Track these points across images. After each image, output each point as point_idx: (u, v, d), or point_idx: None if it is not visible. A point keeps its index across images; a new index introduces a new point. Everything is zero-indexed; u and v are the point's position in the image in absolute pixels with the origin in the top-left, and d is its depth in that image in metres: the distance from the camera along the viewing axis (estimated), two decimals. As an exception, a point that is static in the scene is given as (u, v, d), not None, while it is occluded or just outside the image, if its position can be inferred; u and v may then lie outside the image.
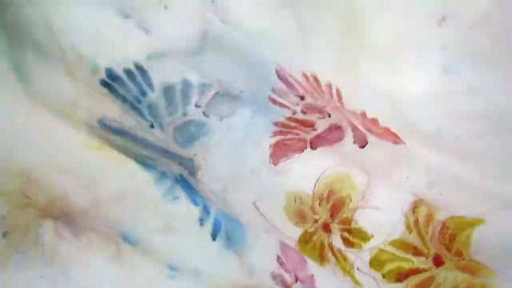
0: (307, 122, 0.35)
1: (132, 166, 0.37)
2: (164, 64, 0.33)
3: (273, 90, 0.34)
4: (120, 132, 0.36)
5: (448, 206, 0.33)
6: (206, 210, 0.38)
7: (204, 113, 0.35)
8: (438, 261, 0.34)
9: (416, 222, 0.34)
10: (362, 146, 0.34)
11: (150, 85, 0.34)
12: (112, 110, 0.35)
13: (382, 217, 0.34)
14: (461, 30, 0.28)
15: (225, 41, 0.32)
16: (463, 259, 0.33)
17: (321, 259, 0.37)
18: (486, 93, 0.29)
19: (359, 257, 0.35)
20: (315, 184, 0.35)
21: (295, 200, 0.36)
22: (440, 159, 0.32)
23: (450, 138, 0.31)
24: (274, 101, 0.34)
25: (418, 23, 0.29)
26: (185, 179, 0.38)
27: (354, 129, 0.34)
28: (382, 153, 0.33)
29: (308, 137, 0.35)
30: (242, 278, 0.38)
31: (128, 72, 0.34)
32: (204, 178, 0.37)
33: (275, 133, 0.35)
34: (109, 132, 0.36)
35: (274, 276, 0.38)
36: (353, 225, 0.35)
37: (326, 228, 0.35)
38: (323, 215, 0.35)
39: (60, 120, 0.36)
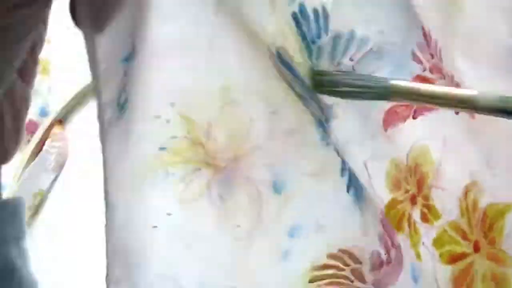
0: (430, 81, 0.37)
1: (300, 104, 0.38)
2: (341, 11, 0.37)
3: (418, 45, 0.37)
4: (287, 66, 0.38)
5: (492, 190, 0.35)
6: (343, 161, 0.40)
7: (353, 67, 0.39)
8: (476, 247, 0.36)
9: (467, 207, 0.36)
10: (457, 112, 0.37)
11: (326, 28, 0.38)
12: (290, 44, 0.38)
13: (446, 198, 0.37)
14: None
15: None
16: (494, 248, 0.35)
17: (398, 227, 0.39)
18: None
19: (428, 233, 0.38)
20: (407, 155, 0.38)
21: (396, 168, 0.39)
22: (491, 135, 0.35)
23: None
24: (415, 57, 0.38)
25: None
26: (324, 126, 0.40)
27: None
28: (464, 126, 0.37)
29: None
30: (359, 236, 0.39)
31: (315, 12, 0.38)
32: (336, 128, 0.40)
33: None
34: (281, 64, 0.38)
35: (380, 238, 0.39)
36: (430, 201, 0.37)
37: (413, 200, 0.38)
38: (413, 187, 0.38)
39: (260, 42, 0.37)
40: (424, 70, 0.38)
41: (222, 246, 0.36)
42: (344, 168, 0.39)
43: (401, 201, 0.38)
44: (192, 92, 0.36)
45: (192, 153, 0.37)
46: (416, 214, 0.38)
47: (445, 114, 0.38)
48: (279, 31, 0.37)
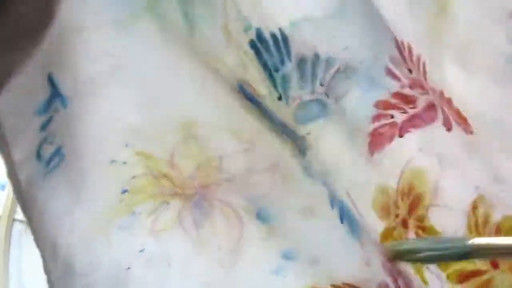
0: (411, 98, 0.36)
1: (277, 137, 0.37)
2: (301, 33, 0.35)
3: (391, 59, 0.35)
4: (251, 99, 0.36)
5: (504, 204, 0.35)
6: (330, 191, 0.37)
7: (326, 94, 0.37)
8: (494, 263, 0.35)
9: (476, 223, 0.35)
10: (449, 129, 0.36)
11: (289, 54, 0.36)
12: (252, 75, 0.36)
13: (449, 215, 0.35)
14: None
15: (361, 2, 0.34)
16: None
17: None
18: None
19: None
20: (399, 179, 0.36)
21: (382, 193, 0.37)
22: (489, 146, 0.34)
23: None
24: (389, 72, 0.36)
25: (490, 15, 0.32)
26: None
27: (443, 111, 0.36)
28: (459, 141, 0.35)
29: (401, 119, 0.36)
30: (361, 268, 0.37)
31: (273, 37, 0.35)
32: (312, 159, 0.37)
33: (374, 118, 0.37)
34: (244, 97, 0.36)
35: (384, 267, 0.37)
36: (426, 222, 0.36)
37: (405, 223, 0.36)
38: (403, 210, 0.37)
39: (220, 77, 0.36)
40: (403, 86, 0.36)
41: (203, 268, 0.35)
42: (334, 198, 0.37)
43: (395, 227, 0.36)
44: (146, 128, 0.35)
45: (156, 187, 0.35)
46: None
47: (435, 130, 0.37)
48: (239, 62, 0.36)
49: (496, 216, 0.34)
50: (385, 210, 0.37)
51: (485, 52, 0.33)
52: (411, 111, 0.37)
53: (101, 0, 0.33)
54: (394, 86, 0.36)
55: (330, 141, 0.37)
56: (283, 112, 0.37)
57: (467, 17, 0.33)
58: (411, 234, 0.36)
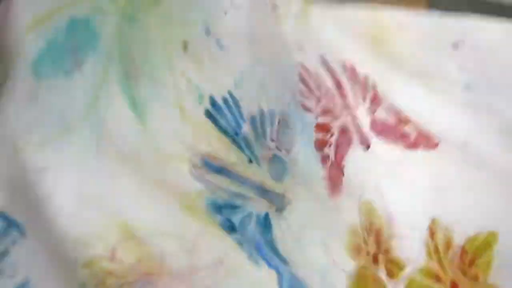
0: (326, 126, 0.34)
1: (221, 232, 0.37)
2: (245, 91, 0.35)
3: (300, 92, 0.34)
4: (220, 171, 0.37)
5: (459, 221, 0.32)
6: (279, 273, 0.37)
7: (277, 148, 0.35)
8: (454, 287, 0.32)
9: (436, 248, 0.32)
10: (368, 146, 0.33)
11: (241, 115, 0.35)
12: (215, 145, 0.36)
13: (409, 245, 0.33)
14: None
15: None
16: (478, 283, 0.32)
17: None
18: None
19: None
20: (360, 216, 0.34)
21: (354, 234, 0.35)
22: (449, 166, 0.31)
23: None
24: (304, 106, 0.34)
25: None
26: (269, 221, 0.37)
27: (359, 130, 0.33)
28: (393, 157, 0.33)
29: (333, 154, 0.34)
30: None
31: (225, 101, 0.35)
32: (290, 215, 0.37)
33: (323, 159, 0.34)
34: (210, 171, 0.37)
35: None
36: (392, 254, 0.34)
37: (375, 259, 0.34)
38: (372, 247, 0.34)
39: (166, 175, 0.37)
40: (317, 117, 0.34)
41: None
42: (280, 280, 0.37)
43: (367, 267, 0.34)
44: (88, 230, 0.37)
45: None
46: (382, 273, 0.34)
47: (357, 154, 0.34)
48: (199, 136, 0.37)
49: (458, 239, 0.32)
50: (356, 250, 0.35)
51: (440, 79, 0.31)
52: (333, 141, 0.34)
53: (35, 116, 0.36)
54: (311, 118, 0.35)
55: (300, 196, 0.36)
56: (259, 174, 0.36)
57: (412, 50, 0.31)
58: (382, 271, 0.34)
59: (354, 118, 0.33)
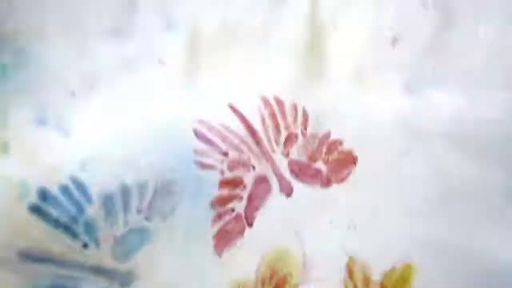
0: (236, 180, 0.33)
1: None
2: (100, 170, 0.30)
3: (195, 152, 0.33)
4: (44, 260, 0.30)
5: (376, 256, 0.33)
6: None
7: (146, 218, 0.31)
8: None
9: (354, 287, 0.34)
10: (289, 194, 0.34)
11: (88, 198, 0.30)
12: (37, 239, 0.30)
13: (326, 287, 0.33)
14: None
15: None
16: None
17: None
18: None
19: None
20: (258, 267, 0.34)
21: (238, 287, 0.34)
22: (363, 198, 0.33)
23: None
24: (202, 165, 0.32)
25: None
26: None
27: (279, 177, 0.34)
28: (310, 198, 0.34)
29: (243, 207, 0.33)
30: None
31: (64, 189, 0.29)
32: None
33: (215, 219, 0.33)
34: (31, 262, 0.30)
35: None
36: None
37: None
38: None
39: None
40: (223, 173, 0.33)
41: None
42: None
43: None
44: None
45: None
46: None
47: (276, 202, 0.33)
48: (17, 232, 0.30)
49: (376, 276, 0.33)
50: None
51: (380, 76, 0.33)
52: (245, 194, 0.33)
53: None
54: (215, 177, 0.33)
55: (161, 264, 0.33)
56: (95, 256, 0.31)
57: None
58: None
59: (272, 163, 0.33)
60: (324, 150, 0.33)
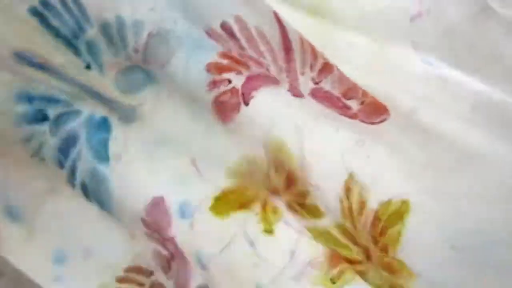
0: (243, 61, 0.32)
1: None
2: None
3: (210, 24, 0.31)
4: (42, 67, 0.32)
5: (376, 182, 0.32)
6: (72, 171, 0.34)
7: (144, 61, 0.32)
8: (367, 254, 0.33)
9: (350, 209, 0.32)
10: (297, 96, 0.33)
11: (87, 19, 0.31)
12: (37, 44, 0.31)
13: (325, 197, 0.33)
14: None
15: None
16: (388, 256, 0.32)
17: (241, 206, 0.34)
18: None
19: (299, 219, 0.34)
20: (266, 150, 0.33)
21: (248, 163, 0.34)
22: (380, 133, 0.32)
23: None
24: (213, 34, 0.32)
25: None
26: (108, 124, 0.34)
27: (293, 88, 0.33)
28: (318, 109, 0.33)
29: (240, 83, 0.33)
30: (129, 244, 0.35)
31: (62, 2, 0.30)
32: (143, 129, 0.34)
33: (210, 86, 0.32)
34: (26, 65, 0.32)
35: (150, 237, 0.35)
36: (309, 200, 0.33)
37: (275, 191, 0.34)
38: (278, 184, 0.34)
39: None
40: (230, 49, 0.32)
41: None
42: (72, 179, 0.34)
43: (251, 189, 0.34)
44: None
45: None
46: (278, 203, 0.34)
47: (280, 95, 0.33)
48: (17, 33, 0.31)
49: (372, 202, 0.32)
50: (248, 178, 0.34)
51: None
52: (247, 73, 0.32)
53: None
54: (220, 47, 0.32)
55: (167, 111, 0.33)
56: (98, 82, 0.33)
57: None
58: (280, 201, 0.34)
59: (294, 80, 0.32)
60: (361, 91, 0.32)
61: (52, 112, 0.33)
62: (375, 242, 0.32)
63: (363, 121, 0.32)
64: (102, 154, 0.34)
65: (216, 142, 0.33)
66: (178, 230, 0.33)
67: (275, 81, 0.32)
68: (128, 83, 0.33)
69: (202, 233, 0.33)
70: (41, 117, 0.33)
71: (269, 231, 0.33)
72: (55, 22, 0.31)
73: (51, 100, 0.33)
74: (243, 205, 0.34)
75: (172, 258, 0.34)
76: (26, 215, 0.34)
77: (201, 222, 0.33)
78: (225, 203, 0.34)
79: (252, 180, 0.34)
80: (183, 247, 0.33)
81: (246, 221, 0.33)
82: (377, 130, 0.32)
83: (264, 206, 0.34)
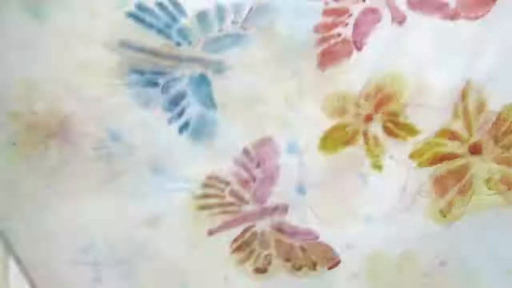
0: (341, 10, 0.33)
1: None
2: None
3: None
4: (141, 49, 0.33)
5: (497, 85, 0.33)
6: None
7: (242, 27, 0.32)
8: (475, 149, 0.34)
9: (465, 109, 0.33)
10: (401, 22, 0.33)
11: (181, 12, 0.32)
12: (132, 35, 0.32)
13: (430, 113, 0.34)
14: None
15: None
16: (509, 152, 0.34)
17: (346, 143, 0.36)
18: None
19: (399, 148, 0.35)
20: (365, 84, 0.34)
21: (337, 99, 0.35)
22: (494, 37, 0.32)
23: None
24: None
25: None
26: (206, 78, 0.35)
27: (393, 9, 0.33)
28: (427, 27, 0.33)
29: (349, 33, 0.33)
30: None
31: (159, 5, 0.32)
32: (235, 77, 0.34)
33: (319, 42, 0.33)
34: (129, 50, 0.33)
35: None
36: (402, 119, 0.34)
37: (368, 118, 0.35)
38: (367, 108, 0.35)
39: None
40: (327, 3, 0.33)
41: None
42: (175, 119, 0.35)
43: (350, 123, 0.36)
44: None
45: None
46: (376, 129, 0.36)
47: (386, 31, 0.33)
48: (115, 30, 0.33)
49: (495, 104, 0.33)
50: (337, 111, 0.35)
51: None
52: (351, 20, 0.33)
53: None
54: (320, 6, 0.33)
55: (256, 60, 0.34)
56: (187, 52, 0.34)
57: None
58: (377, 126, 0.35)
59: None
60: None
61: (161, 81, 0.35)
62: (496, 140, 0.34)
63: (467, 18, 0.32)
64: (208, 103, 0.35)
65: (302, 85, 0.34)
66: (285, 162, 0.36)
67: (375, 12, 0.33)
68: (213, 46, 0.34)
69: (309, 167, 0.36)
70: (153, 84, 0.35)
71: (377, 166, 0.36)
72: (149, 19, 0.32)
73: (158, 73, 0.35)
74: (348, 141, 0.35)
75: (254, 179, 0.36)
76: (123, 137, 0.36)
77: (309, 157, 0.35)
78: (331, 141, 0.36)
79: (346, 115, 0.35)
80: (286, 177, 0.36)
81: (354, 156, 0.35)
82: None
83: (366, 139, 0.35)
